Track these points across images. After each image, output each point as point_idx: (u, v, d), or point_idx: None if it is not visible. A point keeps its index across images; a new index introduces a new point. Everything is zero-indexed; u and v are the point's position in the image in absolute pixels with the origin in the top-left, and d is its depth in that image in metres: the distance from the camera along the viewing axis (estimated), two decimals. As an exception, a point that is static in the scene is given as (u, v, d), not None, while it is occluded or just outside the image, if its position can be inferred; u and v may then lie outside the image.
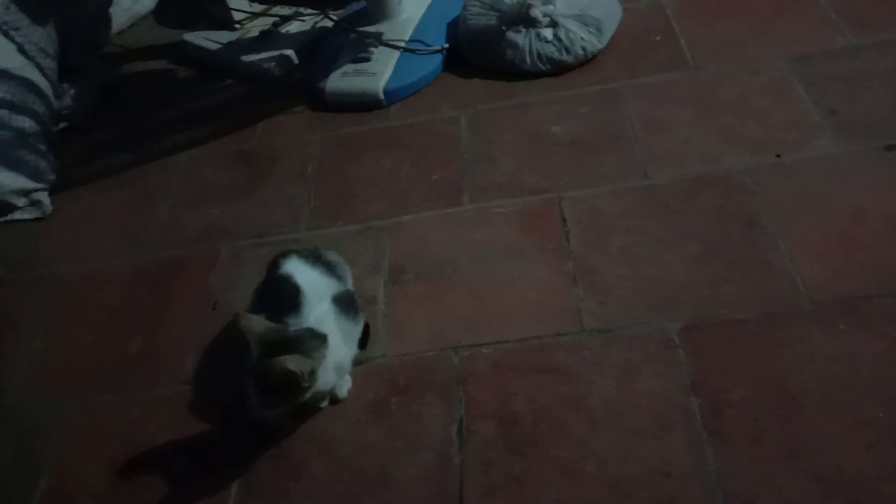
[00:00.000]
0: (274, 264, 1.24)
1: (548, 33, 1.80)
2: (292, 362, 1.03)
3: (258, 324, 1.08)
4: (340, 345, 1.17)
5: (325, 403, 1.26)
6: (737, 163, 1.47)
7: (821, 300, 1.21)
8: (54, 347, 1.53)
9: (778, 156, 1.45)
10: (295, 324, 1.13)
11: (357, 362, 1.29)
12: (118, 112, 2.18)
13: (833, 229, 1.31)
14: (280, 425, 1.24)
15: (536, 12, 1.81)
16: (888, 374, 1.10)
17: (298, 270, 1.20)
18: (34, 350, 1.52)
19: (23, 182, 1.85)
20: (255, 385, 1.08)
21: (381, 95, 1.88)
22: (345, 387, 1.26)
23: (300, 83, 2.06)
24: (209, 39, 2.23)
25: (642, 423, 1.12)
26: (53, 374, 1.47)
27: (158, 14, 2.57)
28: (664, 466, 1.07)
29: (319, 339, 1.10)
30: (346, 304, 1.21)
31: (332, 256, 1.31)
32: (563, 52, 1.79)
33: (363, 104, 1.90)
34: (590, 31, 1.80)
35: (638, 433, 1.12)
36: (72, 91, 2.11)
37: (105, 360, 1.46)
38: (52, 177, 1.93)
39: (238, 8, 2.22)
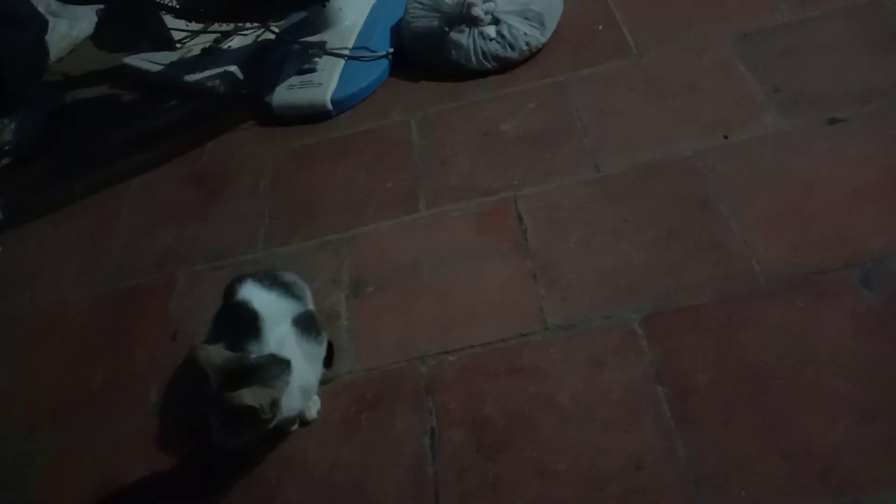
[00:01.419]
0: (230, 290, 1.22)
1: (490, 31, 1.80)
2: (250, 396, 1.01)
3: (217, 355, 1.06)
4: (305, 367, 1.15)
5: (295, 426, 1.24)
6: (687, 147, 1.48)
7: (777, 278, 1.22)
8: (18, 387, 1.49)
9: (725, 137, 1.47)
10: (256, 350, 1.11)
11: (324, 381, 1.28)
12: (64, 141, 2.13)
13: (785, 206, 1.32)
14: (251, 451, 1.22)
15: (478, 10, 1.80)
16: (846, 347, 1.11)
17: (255, 295, 1.18)
18: (-1, 388, 1.49)
19: (-31, 224, 1.80)
20: (218, 416, 1.06)
21: (329, 106, 1.86)
22: (313, 408, 1.25)
23: (247, 98, 2.03)
24: (151, 61, 2.19)
25: (611, 416, 1.13)
26: (19, 413, 1.44)
27: (97, 38, 2.51)
28: (635, 457, 1.08)
29: (282, 365, 1.08)
30: (306, 324, 1.20)
31: (289, 277, 1.30)
32: (508, 48, 1.79)
33: (312, 116, 1.88)
34: (532, 26, 1.80)
35: (607, 427, 1.12)
36: (12, 125, 2.06)
37: (70, 396, 1.43)
38: (0, 216, 1.88)
39: (177, 27, 2.18)
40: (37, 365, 1.52)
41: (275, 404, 1.05)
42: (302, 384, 1.13)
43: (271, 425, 1.08)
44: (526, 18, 1.80)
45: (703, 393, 1.12)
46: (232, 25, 2.16)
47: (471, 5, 1.80)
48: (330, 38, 1.97)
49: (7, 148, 2.04)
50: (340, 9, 1.98)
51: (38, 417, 1.41)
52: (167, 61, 2.16)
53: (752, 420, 1.07)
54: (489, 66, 1.81)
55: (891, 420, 1.02)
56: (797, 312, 1.17)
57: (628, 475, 1.06)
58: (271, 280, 1.25)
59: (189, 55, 2.15)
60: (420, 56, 1.91)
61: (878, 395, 1.05)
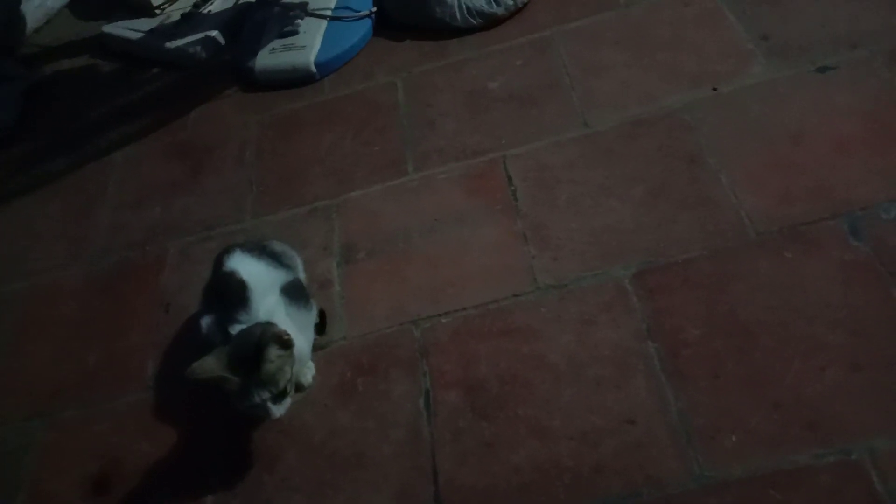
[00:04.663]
0: (218, 261, 1.22)
1: (475, -14, 1.76)
2: (271, 332, 1.04)
3: (211, 361, 1.05)
4: (296, 334, 1.15)
5: (292, 392, 1.25)
6: (675, 100, 1.46)
7: (766, 230, 1.22)
8: (13, 368, 1.49)
9: (714, 89, 1.45)
10: (245, 319, 1.11)
11: (318, 347, 1.28)
12: (45, 116, 2.10)
13: (773, 157, 1.32)
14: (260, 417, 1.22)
15: (461, -35, 1.76)
16: (834, 297, 1.12)
17: (243, 265, 1.18)
18: (-8, 373, 1.49)
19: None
20: (258, 394, 1.06)
21: (313, 69, 1.83)
22: (308, 374, 1.26)
23: (229, 65, 1.99)
24: (130, 28, 2.14)
25: (604, 374, 1.14)
26: (16, 395, 1.44)
27: (74, 6, 2.45)
28: (628, 413, 1.09)
29: (263, 325, 1.09)
30: (295, 293, 1.20)
31: (278, 246, 1.29)
32: (493, 4, 1.75)
33: (295, 80, 1.85)
34: (518, -20, 1.76)
35: (600, 384, 1.13)
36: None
37: (66, 374, 1.43)
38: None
39: (155, -8, 2.13)
40: (31, 346, 1.52)
41: (289, 342, 1.07)
42: (296, 351, 1.13)
43: (294, 362, 1.10)
44: (511, -28, 1.76)
45: (693, 347, 1.13)
46: (211, -12, 2.12)
47: (454, -40, 1.76)
48: (311, -2, 1.93)
49: (-14, 127, 2.00)
50: (320, -32, 1.94)
51: (36, 400, 1.41)
52: (146, 28, 2.11)
53: (743, 372, 1.08)
54: (475, 22, 1.77)
55: (878, 369, 1.04)
56: (786, 264, 1.18)
57: (622, 430, 1.08)
58: (260, 250, 1.24)
59: (168, 21, 2.11)
60: (404, 14, 1.87)
61: (865, 344, 1.06)
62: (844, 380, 1.04)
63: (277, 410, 1.09)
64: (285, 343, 1.07)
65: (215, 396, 1.13)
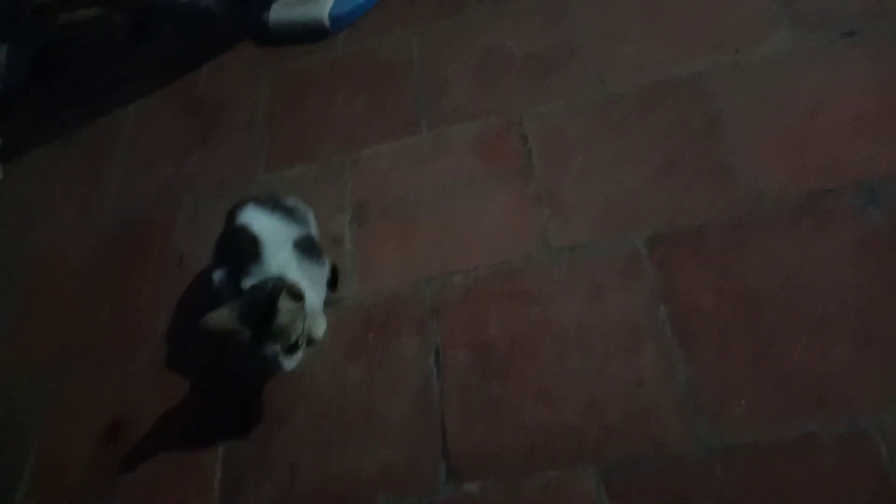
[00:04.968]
0: (231, 215, 1.22)
1: (494, -60, 1.72)
2: (284, 287, 1.04)
3: (223, 314, 1.06)
4: (309, 289, 1.16)
5: (303, 345, 1.25)
6: (694, 67, 1.43)
7: (782, 201, 1.21)
8: (25, 326, 1.51)
9: (736, 51, 1.42)
10: (257, 273, 1.11)
11: (330, 304, 1.29)
12: (57, 71, 2.08)
13: (792, 128, 1.29)
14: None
15: (480, -80, 1.72)
16: (846, 273, 1.11)
17: (256, 219, 1.18)
18: (4, 331, 1.51)
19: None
20: (270, 347, 1.07)
21: (327, 22, 1.80)
22: (320, 328, 1.27)
23: (242, 18, 1.96)
24: (142, -21, 2.10)
25: (612, 339, 1.15)
26: (28, 352, 1.46)
27: (85, -45, 2.41)
28: (636, 378, 1.10)
29: (279, 279, 1.09)
30: (307, 248, 1.20)
31: (291, 202, 1.29)
32: (512, -39, 1.71)
33: (309, 34, 1.82)
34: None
35: (609, 349, 1.14)
36: (2, 58, 1.99)
37: (78, 332, 1.45)
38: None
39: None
40: (44, 303, 1.53)
41: (300, 295, 1.09)
42: (307, 305, 1.14)
43: (307, 317, 1.11)
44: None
45: (704, 317, 1.13)
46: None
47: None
48: (326, -51, 1.89)
49: (-1, 85, 1.99)
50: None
51: (49, 356, 1.43)
52: (159, -21, 2.08)
53: (752, 343, 1.08)
54: (492, -20, 1.74)
55: (890, 343, 1.03)
56: (801, 236, 1.16)
57: (629, 395, 1.09)
58: (273, 204, 1.24)
59: (181, -28, 2.07)
60: (420, -30, 1.83)
61: (876, 319, 1.06)
62: (855, 354, 1.03)
63: (289, 363, 1.10)
64: (297, 296, 1.08)
65: (227, 350, 1.15)
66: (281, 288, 1.05)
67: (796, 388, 1.03)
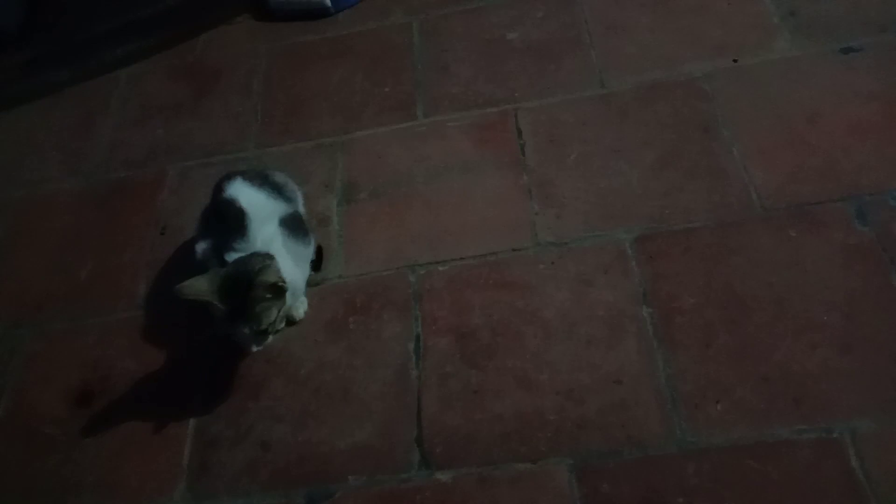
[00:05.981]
0: (218, 187, 1.20)
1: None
2: (267, 275, 1.04)
3: (202, 283, 1.05)
4: (291, 267, 1.15)
5: (282, 325, 1.25)
6: (695, 68, 1.44)
7: (773, 206, 1.22)
8: (3, 274, 1.49)
9: (735, 61, 1.42)
10: (242, 248, 1.10)
11: (313, 283, 1.28)
12: (50, 22, 2.05)
13: (788, 134, 1.30)
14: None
15: None
16: (833, 278, 1.12)
17: (243, 193, 1.17)
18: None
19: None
20: (243, 321, 1.06)
21: (329, 2, 1.78)
22: (301, 308, 1.25)
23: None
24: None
25: (595, 333, 1.14)
26: (4, 301, 1.44)
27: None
28: (616, 373, 1.10)
29: (267, 257, 1.08)
30: (294, 225, 1.19)
31: (279, 178, 1.27)
32: (519, -49, 1.70)
33: (310, 12, 1.80)
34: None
35: (591, 343, 1.14)
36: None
37: (56, 286, 1.43)
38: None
39: None
40: (23, 254, 1.51)
41: (283, 279, 1.08)
42: (290, 283, 1.13)
43: (287, 302, 1.11)
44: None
45: (687, 315, 1.13)
46: None
47: None
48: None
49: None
50: None
51: (24, 307, 1.41)
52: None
53: (734, 344, 1.09)
54: (497, -31, 1.72)
55: (868, 352, 1.04)
56: (789, 242, 1.17)
57: (608, 389, 1.08)
58: (261, 179, 1.23)
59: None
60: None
61: (858, 326, 1.07)
62: (834, 360, 1.04)
63: (256, 345, 1.10)
64: (279, 290, 1.07)
65: (204, 320, 1.13)
66: (264, 279, 1.04)
67: (774, 390, 1.03)
